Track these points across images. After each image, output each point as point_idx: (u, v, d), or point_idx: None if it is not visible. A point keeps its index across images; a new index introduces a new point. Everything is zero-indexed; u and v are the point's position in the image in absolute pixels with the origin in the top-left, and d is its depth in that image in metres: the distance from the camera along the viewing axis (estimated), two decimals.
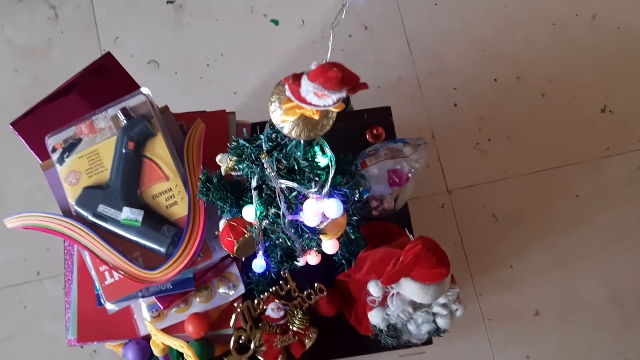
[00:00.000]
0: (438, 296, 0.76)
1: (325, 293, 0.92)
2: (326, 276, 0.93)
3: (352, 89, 0.51)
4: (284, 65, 1.54)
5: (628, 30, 1.58)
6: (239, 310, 0.90)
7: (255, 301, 0.91)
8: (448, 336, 0.87)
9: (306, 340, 0.92)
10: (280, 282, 0.91)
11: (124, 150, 0.89)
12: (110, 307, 0.90)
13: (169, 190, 0.89)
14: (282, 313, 0.91)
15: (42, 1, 1.59)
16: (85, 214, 0.88)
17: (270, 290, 0.91)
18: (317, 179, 0.66)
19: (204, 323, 0.91)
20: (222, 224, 0.80)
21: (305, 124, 0.58)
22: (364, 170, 0.94)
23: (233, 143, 0.70)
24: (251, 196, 0.72)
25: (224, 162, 0.77)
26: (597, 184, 1.48)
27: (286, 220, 0.71)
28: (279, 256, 0.82)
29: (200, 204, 0.88)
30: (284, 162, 0.66)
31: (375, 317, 0.82)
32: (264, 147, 0.66)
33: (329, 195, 0.68)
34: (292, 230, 0.74)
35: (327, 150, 0.66)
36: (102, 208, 0.87)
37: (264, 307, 0.91)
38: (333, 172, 0.66)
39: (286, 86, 0.54)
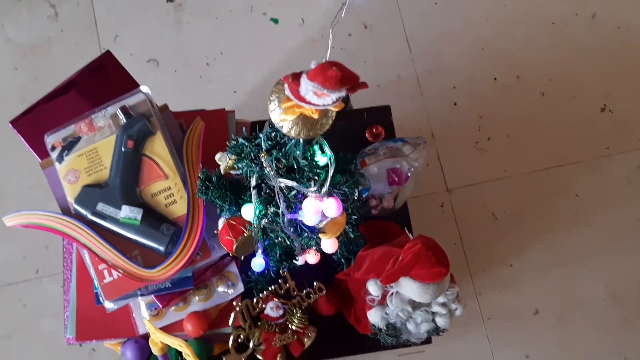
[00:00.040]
0: (437, 295, 0.76)
1: (324, 292, 0.92)
2: (325, 275, 0.93)
3: (351, 88, 0.51)
4: (284, 64, 1.54)
5: (628, 30, 1.57)
6: (238, 309, 0.90)
7: (254, 300, 0.91)
8: (447, 335, 0.87)
9: (305, 339, 0.92)
10: (280, 281, 0.91)
11: (123, 149, 0.89)
12: (109, 305, 0.90)
13: (168, 188, 0.89)
14: (281, 312, 0.91)
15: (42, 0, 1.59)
16: (84, 212, 0.88)
17: (270, 289, 0.91)
18: (316, 177, 0.66)
19: (202, 322, 0.91)
20: (221, 222, 0.80)
21: (304, 123, 0.58)
22: (364, 169, 0.94)
23: (232, 142, 0.70)
24: (250, 195, 0.71)
25: (223, 160, 0.77)
26: (597, 183, 1.47)
27: (285, 219, 0.71)
28: (278, 255, 0.82)
29: (199, 202, 0.88)
30: (283, 160, 0.66)
31: (374, 316, 0.82)
32: (263, 146, 0.66)
33: (328, 194, 0.68)
34: (292, 229, 0.74)
35: (327, 149, 0.66)
36: (101, 206, 0.87)
37: (263, 305, 0.91)
38: (332, 171, 0.66)
39: (285, 85, 0.54)
